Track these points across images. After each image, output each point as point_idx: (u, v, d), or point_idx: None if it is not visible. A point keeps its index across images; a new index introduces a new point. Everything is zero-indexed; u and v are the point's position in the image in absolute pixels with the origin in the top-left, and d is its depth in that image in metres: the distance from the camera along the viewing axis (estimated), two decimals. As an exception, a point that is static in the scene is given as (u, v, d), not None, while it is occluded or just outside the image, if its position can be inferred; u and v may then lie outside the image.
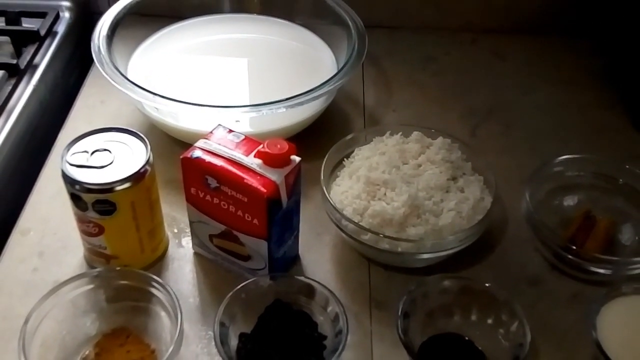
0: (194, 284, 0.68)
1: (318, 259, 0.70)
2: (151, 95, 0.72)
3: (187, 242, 0.71)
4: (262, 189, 0.59)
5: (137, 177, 0.61)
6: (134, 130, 0.64)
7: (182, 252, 0.70)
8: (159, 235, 0.68)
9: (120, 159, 0.62)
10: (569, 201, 0.73)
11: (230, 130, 0.64)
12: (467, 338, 0.60)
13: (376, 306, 0.66)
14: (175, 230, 0.72)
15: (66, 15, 0.94)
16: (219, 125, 0.65)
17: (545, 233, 0.68)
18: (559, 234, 0.69)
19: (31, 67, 0.84)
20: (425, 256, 0.65)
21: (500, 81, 0.94)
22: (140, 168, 0.61)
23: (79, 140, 0.63)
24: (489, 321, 0.60)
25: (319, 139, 0.78)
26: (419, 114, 0.88)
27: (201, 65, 0.86)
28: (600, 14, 0.98)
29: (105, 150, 0.62)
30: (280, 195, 0.60)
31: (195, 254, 0.70)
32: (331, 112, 0.83)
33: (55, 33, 0.90)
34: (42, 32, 0.87)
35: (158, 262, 0.69)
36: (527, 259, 0.71)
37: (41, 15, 0.91)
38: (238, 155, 0.61)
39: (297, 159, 0.61)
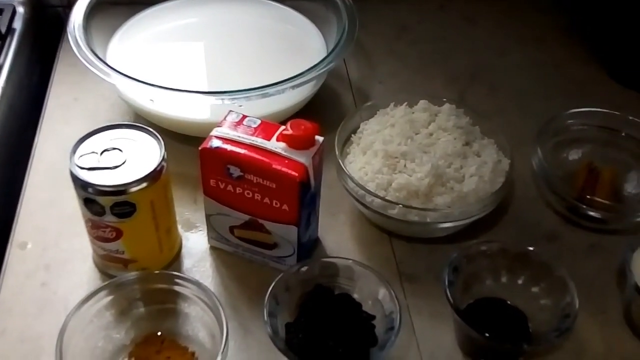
0: (218, 278, 0.65)
1: (338, 239, 0.69)
2: (148, 86, 0.68)
3: (198, 237, 0.68)
4: (293, 173, 0.57)
5: (154, 175, 0.58)
6: (140, 125, 0.61)
7: (196, 247, 0.67)
8: (174, 232, 0.65)
9: (132, 157, 0.58)
10: (574, 155, 0.74)
11: (244, 116, 0.61)
12: (509, 302, 0.61)
13: (407, 279, 0.65)
14: (185, 226, 0.69)
15: (20, 10, 0.87)
16: (231, 111, 0.62)
17: (560, 187, 0.69)
18: (570, 187, 0.70)
19: (-3, 68, 0.78)
20: (451, 224, 0.64)
21: (475, 44, 0.94)
22: (157, 165, 0.58)
23: (83, 141, 0.59)
24: (523, 282, 0.61)
25: (312, 119, 0.75)
26: (404, 83, 0.87)
27: (183, 50, 0.82)
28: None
29: (114, 149, 0.59)
30: (310, 177, 0.58)
31: (212, 248, 0.67)
32: (319, 90, 0.81)
33: (14, 30, 0.83)
34: (3, 30, 0.80)
35: (175, 261, 0.66)
36: (540, 215, 0.72)
37: (-7, 11, 0.84)
38: (260, 140, 0.59)
39: (321, 138, 0.59)
